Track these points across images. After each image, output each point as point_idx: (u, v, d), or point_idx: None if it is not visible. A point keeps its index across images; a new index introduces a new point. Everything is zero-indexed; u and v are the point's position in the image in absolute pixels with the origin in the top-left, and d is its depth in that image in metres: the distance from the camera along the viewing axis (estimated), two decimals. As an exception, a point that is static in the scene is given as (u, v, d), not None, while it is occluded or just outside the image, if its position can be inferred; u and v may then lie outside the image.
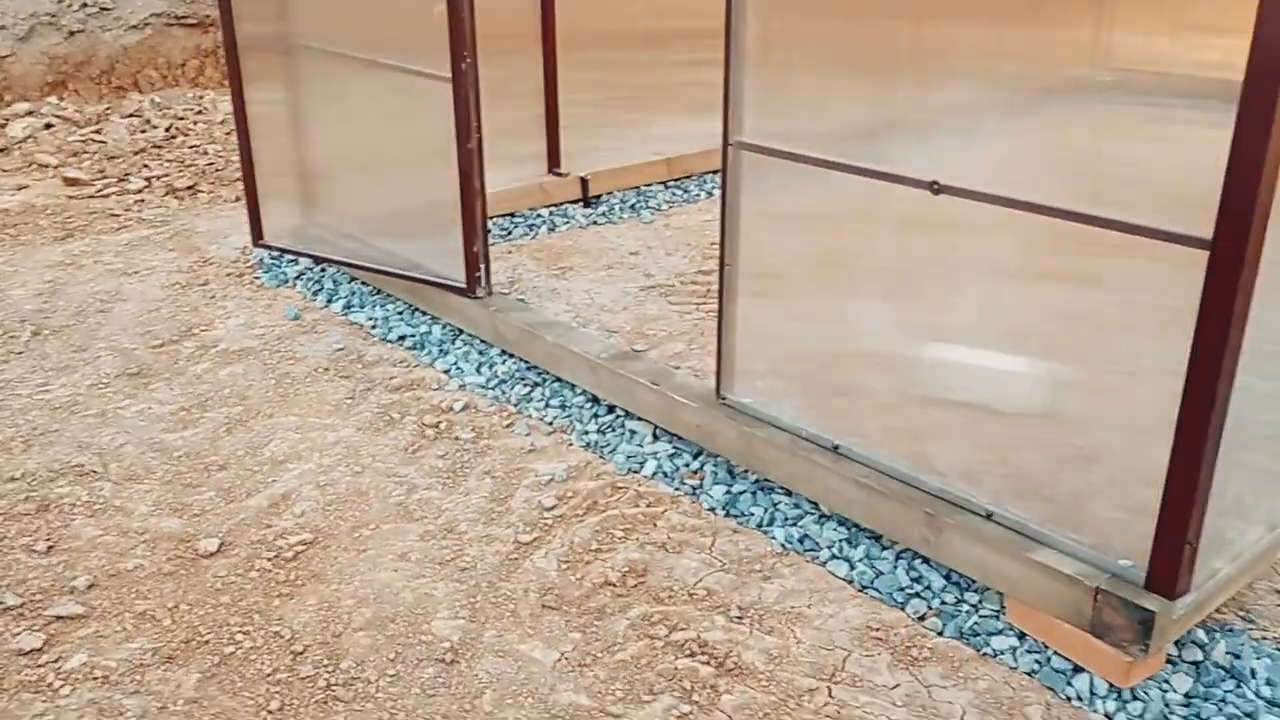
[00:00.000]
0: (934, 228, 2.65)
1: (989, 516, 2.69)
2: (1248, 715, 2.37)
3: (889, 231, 2.78)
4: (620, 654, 2.61)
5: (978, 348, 2.70)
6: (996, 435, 2.70)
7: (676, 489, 3.27)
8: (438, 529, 3.10)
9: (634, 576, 2.89)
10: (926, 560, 2.87)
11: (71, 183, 6.23)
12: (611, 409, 3.67)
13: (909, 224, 2.71)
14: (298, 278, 4.86)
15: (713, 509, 3.17)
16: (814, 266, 3.00)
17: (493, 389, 3.86)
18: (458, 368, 4.00)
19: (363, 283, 4.73)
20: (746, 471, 3.29)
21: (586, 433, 3.56)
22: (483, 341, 4.13)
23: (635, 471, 3.36)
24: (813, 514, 3.09)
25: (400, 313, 4.44)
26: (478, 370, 3.97)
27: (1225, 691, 2.44)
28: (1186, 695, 2.44)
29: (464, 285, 4.07)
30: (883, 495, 2.84)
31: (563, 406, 3.72)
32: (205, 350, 4.22)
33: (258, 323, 4.46)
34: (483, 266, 4.03)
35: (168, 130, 7.23)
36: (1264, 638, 2.62)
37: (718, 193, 5.87)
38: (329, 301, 4.60)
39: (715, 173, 6.24)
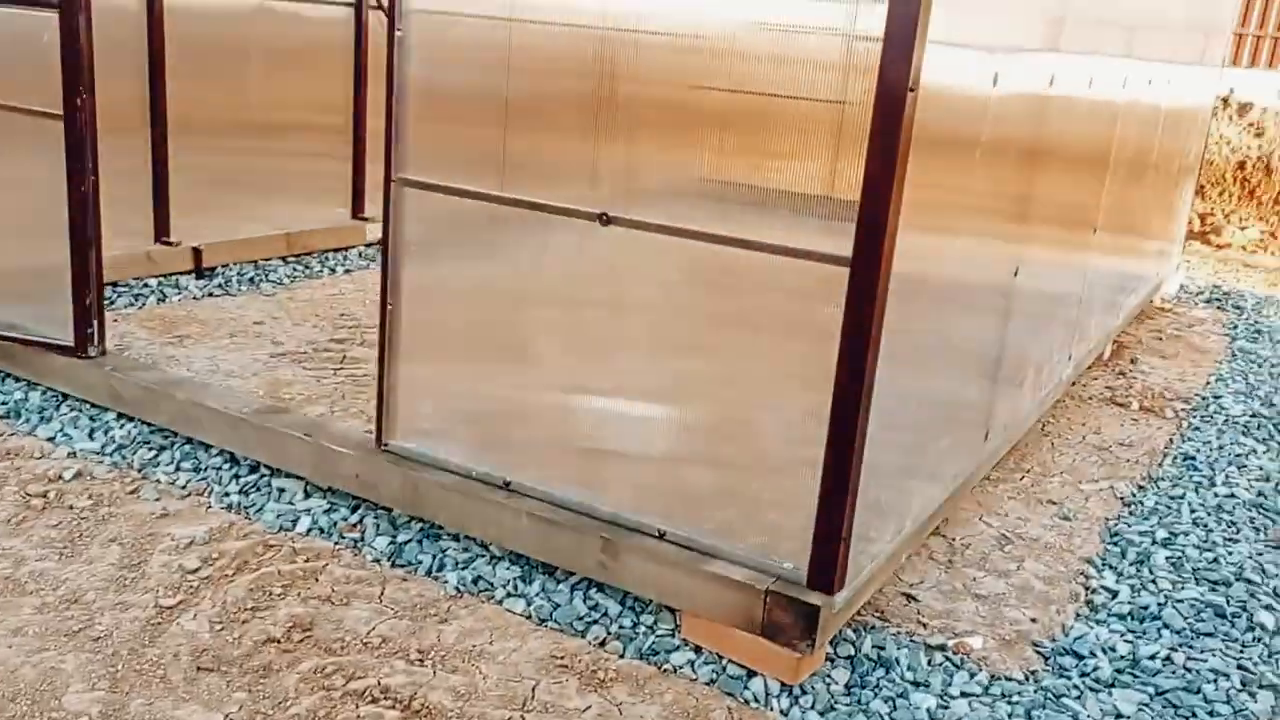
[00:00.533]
0: (603, 261, 2.76)
1: (662, 536, 2.78)
2: (900, 695, 2.60)
3: (558, 267, 2.85)
4: (294, 708, 2.39)
5: (643, 374, 2.81)
6: (665, 458, 2.81)
7: (336, 543, 3.08)
8: (58, 600, 2.69)
9: (299, 631, 2.67)
10: (602, 589, 2.91)
11: None
12: (255, 468, 3.40)
13: (579, 259, 2.80)
14: None
15: (377, 560, 3.01)
16: (481, 307, 3.01)
17: (110, 455, 3.45)
18: (64, 434, 3.54)
19: (-68, 351, 4.08)
20: (411, 521, 3.17)
21: (227, 494, 3.27)
22: (95, 405, 3.70)
23: (287, 530, 3.13)
24: (484, 556, 3.03)
25: (-15, 381, 3.88)
26: (90, 436, 3.54)
27: (878, 679, 2.67)
28: (847, 685, 2.63)
29: (72, 344, 3.64)
30: (557, 526, 2.85)
31: (196, 469, 3.40)
32: None
33: None
34: (96, 322, 3.63)
35: None
36: (899, 632, 2.90)
37: (341, 269, 5.75)
38: (-112, 371, 3.92)
39: (338, 250, 6.10)
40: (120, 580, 2.80)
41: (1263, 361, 5.91)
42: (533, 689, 2.53)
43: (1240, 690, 2.76)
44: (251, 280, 5.42)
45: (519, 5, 2.75)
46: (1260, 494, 4.07)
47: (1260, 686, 2.79)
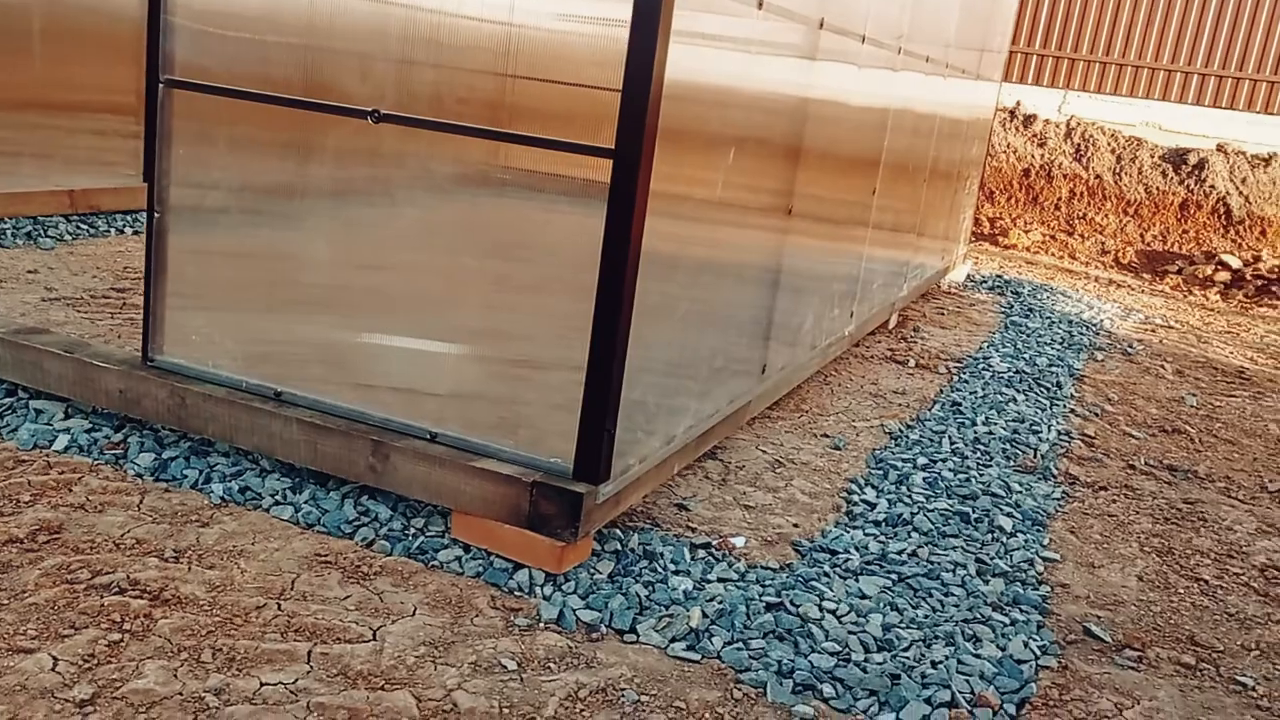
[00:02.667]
0: (374, 163, 2.78)
1: (433, 438, 2.80)
2: (660, 581, 2.69)
3: (329, 171, 2.85)
4: (32, 599, 2.30)
5: (411, 283, 2.84)
6: (436, 362, 2.84)
7: (96, 460, 2.97)
8: None
9: (46, 534, 2.57)
10: (374, 496, 2.90)
11: None
12: (12, 391, 3.25)
13: (348, 164, 2.81)
14: None
15: (140, 475, 2.92)
16: (251, 215, 2.97)
17: None
18: None
19: None
20: (180, 440, 3.09)
21: (-21, 416, 3.12)
22: None
23: (43, 448, 3.00)
24: (254, 469, 2.99)
25: None
26: None
27: (641, 569, 2.75)
28: (610, 575, 2.71)
29: None
30: (327, 432, 2.83)
31: (-53, 394, 3.23)
32: None
33: None
34: None
35: None
36: (668, 534, 2.99)
37: (130, 230, 5.55)
38: None
39: (127, 212, 5.87)
40: None
41: (1031, 333, 6.35)
42: (292, 581, 2.51)
43: (974, 577, 2.97)
44: (29, 235, 5.17)
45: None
46: (1015, 432, 4.38)
47: (993, 575, 3.01)
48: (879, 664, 2.46)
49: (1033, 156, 11.04)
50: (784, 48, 3.38)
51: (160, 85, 2.90)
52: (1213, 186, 10.45)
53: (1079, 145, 10.94)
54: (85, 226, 5.50)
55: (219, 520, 2.75)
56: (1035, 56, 11.53)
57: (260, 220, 2.96)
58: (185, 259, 3.02)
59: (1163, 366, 6.04)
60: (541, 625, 2.47)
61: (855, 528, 3.21)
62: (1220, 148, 10.72)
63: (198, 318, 3.04)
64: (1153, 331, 7.15)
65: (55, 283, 4.47)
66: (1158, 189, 10.65)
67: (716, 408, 3.44)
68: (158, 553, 2.55)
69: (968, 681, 2.43)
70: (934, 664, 2.49)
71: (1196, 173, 10.57)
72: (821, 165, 3.97)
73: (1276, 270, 9.59)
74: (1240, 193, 10.46)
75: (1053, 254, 10.29)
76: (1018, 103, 11.37)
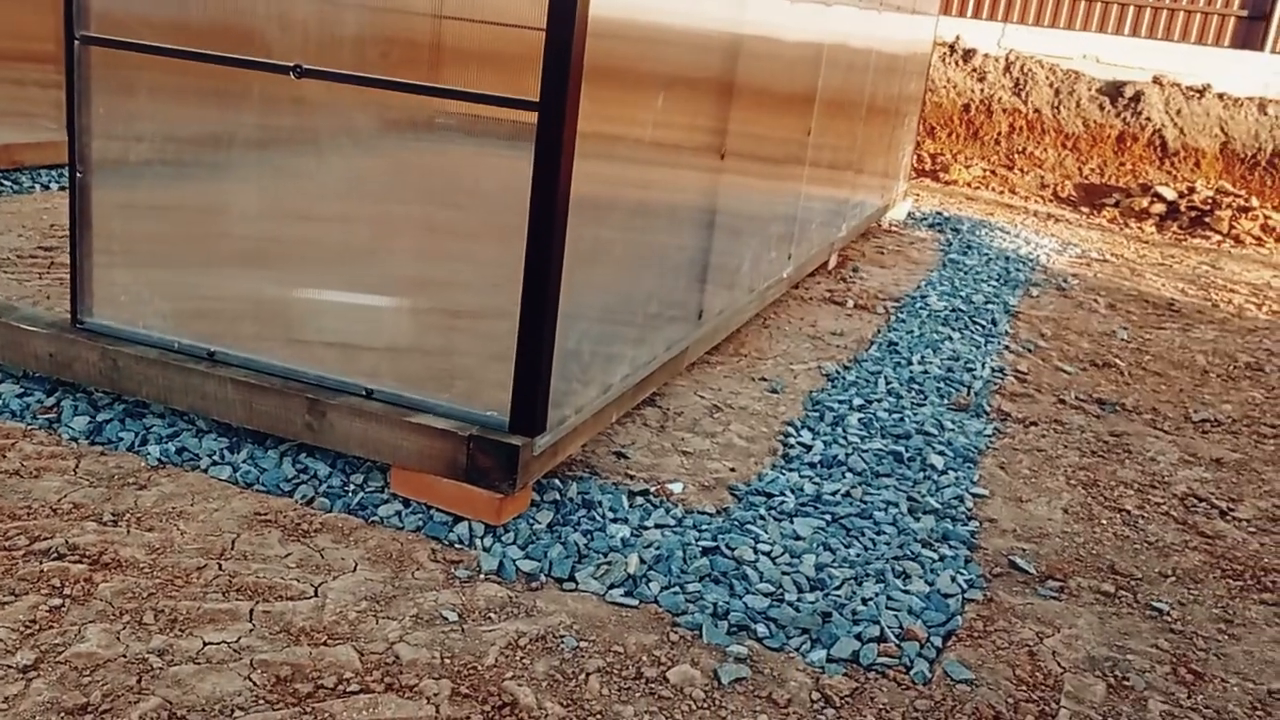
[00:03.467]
0: (298, 117, 2.75)
1: (369, 395, 2.81)
2: (599, 529, 2.75)
3: (252, 127, 2.82)
4: (-32, 567, 2.30)
5: (342, 235, 2.83)
6: (370, 318, 2.84)
7: (29, 425, 2.95)
8: None
9: (-19, 501, 2.56)
10: (313, 453, 2.92)
11: None
12: (-61, 357, 3.21)
13: (273, 114, 2.78)
14: None
15: (75, 439, 2.91)
16: (176, 169, 2.93)
17: None
18: None
19: None
20: (114, 403, 3.07)
21: (-93, 384, 3.08)
22: None
23: (-26, 414, 2.98)
24: (190, 430, 2.98)
25: None
26: None
27: (580, 518, 2.80)
28: (549, 525, 2.75)
29: None
30: (262, 390, 2.83)
31: (-128, 362, 3.18)
32: None
33: None
34: None
35: None
36: (606, 482, 3.04)
37: (56, 185, 5.43)
38: None
39: (50, 167, 5.74)
40: None
41: (969, 270, 6.45)
42: (232, 541, 2.53)
43: (906, 515, 3.05)
44: (-48, 193, 5.05)
45: None
46: (950, 370, 4.47)
47: (924, 512, 3.10)
48: (811, 603, 2.53)
49: (973, 91, 11.10)
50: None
51: (76, 42, 2.83)
52: (1149, 119, 10.59)
53: (1018, 79, 11.01)
54: (8, 183, 5.37)
55: (156, 482, 2.75)
56: (975, -10, 11.54)
57: (185, 173, 2.93)
58: (111, 216, 2.98)
59: (1096, 300, 6.17)
60: (482, 576, 2.51)
61: (791, 470, 3.28)
62: (1156, 80, 10.84)
63: (126, 276, 3.01)
64: (1088, 265, 7.29)
65: (-19, 243, 4.38)
66: (1095, 122, 10.76)
67: (653, 355, 3.47)
68: (96, 517, 2.55)
69: (896, 617, 2.52)
70: (864, 601, 2.57)
71: (1133, 105, 10.69)
72: (755, 104, 3.98)
73: (1209, 201, 9.76)
74: (1175, 125, 10.61)
75: (993, 189, 10.40)
76: (957, 37, 11.39)
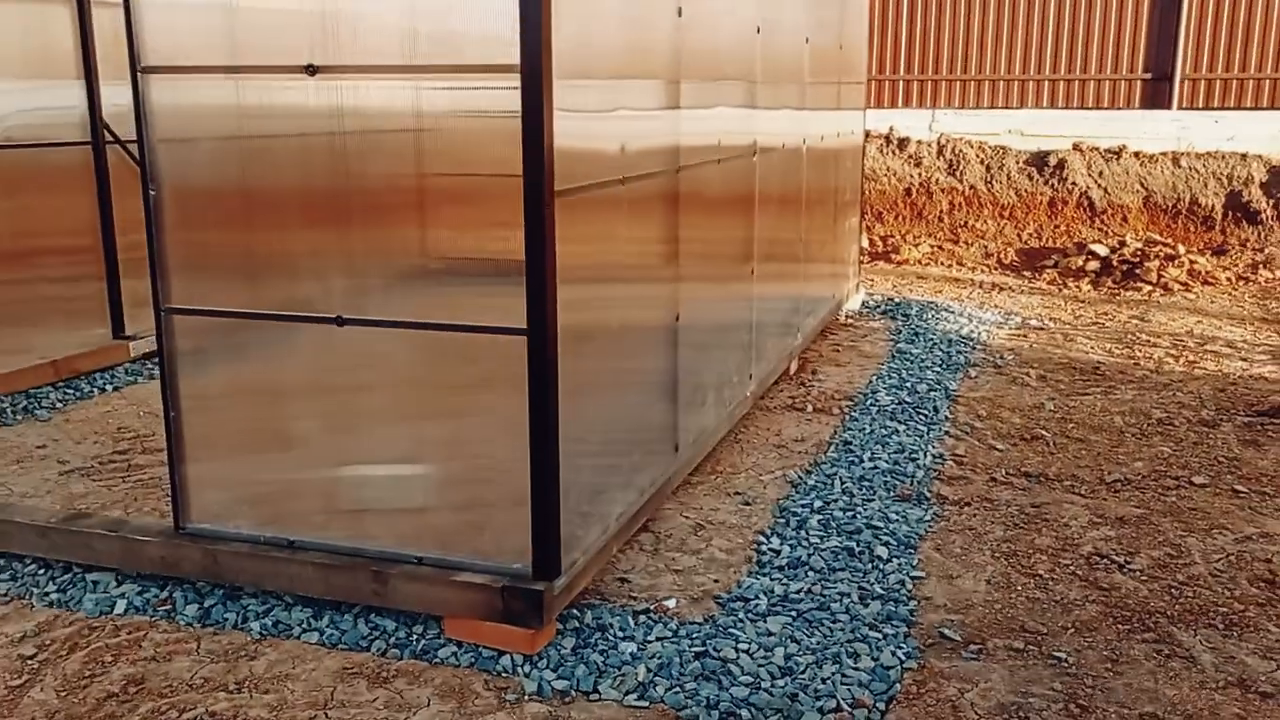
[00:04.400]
0: (344, 352, 3.55)
1: (420, 561, 3.57)
2: (612, 648, 3.49)
3: (309, 361, 3.62)
4: (140, 740, 3.04)
5: (389, 439, 3.61)
6: (415, 501, 3.61)
7: (152, 617, 3.70)
8: (-83, 697, 3.22)
9: (134, 685, 3.29)
10: (380, 612, 3.66)
11: None
12: (68, 568, 3.96)
13: (326, 352, 3.58)
14: None
15: (190, 624, 3.66)
16: (251, 401, 3.72)
17: (-70, 579, 3.93)
18: (-118, 568, 3.98)
19: None
20: (214, 589, 3.82)
21: (47, 594, 3.83)
22: (-95, 540, 4.14)
23: (107, 613, 3.72)
24: (280, 604, 3.73)
25: None
26: (-93, 566, 4.00)
27: (596, 640, 3.55)
28: (573, 649, 3.50)
29: (-124, 488, 4.08)
30: (335, 568, 3.59)
31: (14, 578, 3.93)
32: None
33: None
34: (-102, 466, 4.09)
35: None
36: (614, 605, 3.79)
37: (111, 387, 6.23)
38: None
39: (105, 370, 6.54)
40: (-33, 674, 3.34)
41: (914, 359, 7.25)
42: (331, 693, 3.26)
43: (857, 603, 3.80)
44: (26, 409, 5.83)
45: (253, 126, 3.52)
46: (896, 463, 5.24)
47: (872, 598, 3.85)
48: (782, 687, 3.27)
49: (911, 176, 12.05)
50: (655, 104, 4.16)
51: (162, 314, 3.64)
52: (1074, 183, 11.52)
53: (951, 160, 11.97)
54: (72, 391, 6.17)
55: (263, 652, 3.49)
56: (903, 82, 12.56)
57: (257, 407, 3.71)
58: (199, 445, 3.76)
59: (1028, 374, 6.97)
60: (526, 697, 3.25)
61: (763, 575, 4.03)
62: (1076, 146, 11.81)
63: (215, 491, 3.78)
64: (1025, 337, 8.11)
65: (64, 454, 5.16)
66: (1026, 191, 11.70)
67: (641, 491, 4.24)
68: (223, 687, 3.29)
69: (849, 690, 3.26)
70: (824, 680, 3.31)
71: (1058, 172, 11.64)
72: (701, 214, 4.74)
73: (1139, 253, 10.64)
74: (1099, 185, 11.54)
75: (942, 263, 11.28)
76: (890, 128, 12.38)
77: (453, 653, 3.47)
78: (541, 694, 3.27)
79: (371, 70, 3.33)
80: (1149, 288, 10.09)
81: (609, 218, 3.82)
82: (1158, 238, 11.02)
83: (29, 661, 3.42)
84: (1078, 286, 10.30)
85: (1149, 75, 11.93)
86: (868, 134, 12.21)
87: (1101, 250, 10.82)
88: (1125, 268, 10.51)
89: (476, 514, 3.57)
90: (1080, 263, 10.72)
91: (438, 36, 3.29)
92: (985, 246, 11.50)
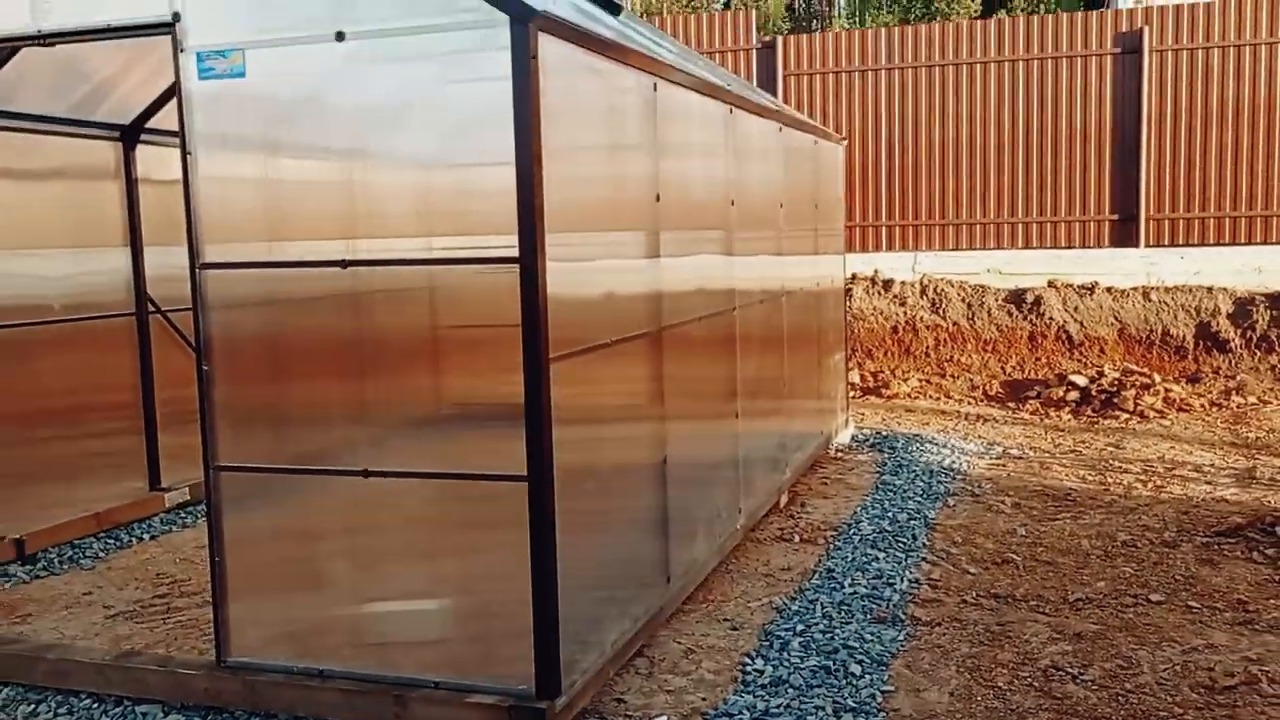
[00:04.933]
0: (370, 500, 4.06)
1: (437, 686, 4.01)
2: (609, 760, 3.90)
3: (339, 510, 4.13)
4: None
5: (409, 577, 4.09)
6: (432, 630, 4.07)
7: (196, 743, 4.13)
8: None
9: (182, 803, 3.71)
10: (399, 734, 4.08)
11: None
12: (119, 701, 4.39)
13: (351, 502, 4.09)
14: None
15: (229, 749, 4.08)
16: (286, 547, 4.22)
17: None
18: (-47, 706, 4.42)
19: None
20: (252, 716, 4.25)
21: (101, 726, 4.26)
22: (-28, 680, 4.59)
23: (155, 741, 4.15)
24: (310, 730, 4.16)
25: None
26: (-26, 703, 4.44)
27: (595, 753, 3.96)
28: (574, 762, 3.91)
29: (-51, 633, 4.56)
30: (360, 694, 4.03)
31: (70, 711, 4.36)
32: None
33: None
34: (-32, 612, 4.57)
35: None
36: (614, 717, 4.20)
37: (148, 536, 6.72)
38: None
39: (142, 520, 7.04)
40: (35, 797, 3.76)
41: (897, 490, 7.72)
42: (358, 806, 3.67)
43: (830, 715, 4.21)
44: (71, 559, 6.32)
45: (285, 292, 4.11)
46: (874, 588, 5.67)
47: (845, 712, 4.25)
48: (760, 790, 3.67)
49: (897, 314, 12.71)
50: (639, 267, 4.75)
51: (211, 470, 4.18)
52: (1051, 318, 12.16)
53: (934, 299, 12.64)
54: (113, 541, 6.66)
55: (296, 772, 3.91)
56: (885, 227, 13.33)
57: (292, 552, 4.21)
58: (240, 588, 4.24)
59: (1003, 501, 7.43)
60: (531, 805, 3.64)
61: (748, 693, 4.44)
62: (1051, 283, 12.49)
63: (253, 628, 4.25)
64: (1003, 466, 8.58)
65: (109, 600, 5.62)
66: (1007, 326, 12.33)
67: (635, 620, 4.68)
68: (261, 803, 3.70)
69: (820, 792, 3.65)
70: (797, 784, 3.71)
71: (1035, 308, 12.28)
72: (683, 361, 5.30)
73: (1117, 382, 11.18)
74: (1075, 319, 12.17)
75: (930, 396, 11.82)
76: (875, 270, 13.10)
77: (466, 768, 3.88)
78: (545, 802, 3.66)
79: (394, 263, 3.95)
80: (1126, 415, 10.59)
81: (598, 372, 4.37)
82: (1134, 367, 11.58)
83: (89, 785, 3.84)
84: (1059, 416, 10.81)
85: (1116, 216, 12.68)
86: (854, 276, 12.96)
87: (1081, 380, 11.37)
88: (1104, 396, 11.03)
89: (486, 642, 4.03)
90: (1061, 393, 11.25)
91: (451, 221, 3.92)
92: (971, 379, 12.07)
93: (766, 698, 4.38)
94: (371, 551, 4.12)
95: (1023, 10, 37.68)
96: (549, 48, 3.78)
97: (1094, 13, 12.91)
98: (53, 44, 4.23)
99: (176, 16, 4.01)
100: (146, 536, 6.79)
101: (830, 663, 4.69)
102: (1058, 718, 4.21)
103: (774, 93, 13.25)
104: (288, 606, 4.23)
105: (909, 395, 11.89)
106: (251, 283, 4.12)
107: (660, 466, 5.01)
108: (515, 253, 3.72)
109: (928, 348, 12.54)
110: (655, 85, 4.90)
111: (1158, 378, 11.26)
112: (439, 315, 4.05)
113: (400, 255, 3.96)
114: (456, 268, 3.93)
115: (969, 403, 11.62)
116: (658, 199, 4.88)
